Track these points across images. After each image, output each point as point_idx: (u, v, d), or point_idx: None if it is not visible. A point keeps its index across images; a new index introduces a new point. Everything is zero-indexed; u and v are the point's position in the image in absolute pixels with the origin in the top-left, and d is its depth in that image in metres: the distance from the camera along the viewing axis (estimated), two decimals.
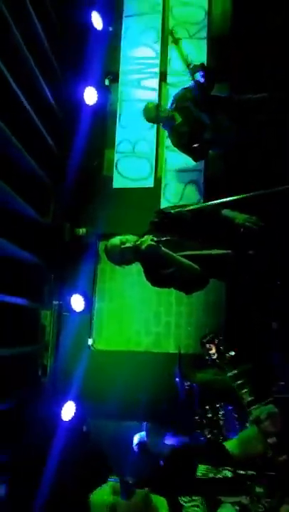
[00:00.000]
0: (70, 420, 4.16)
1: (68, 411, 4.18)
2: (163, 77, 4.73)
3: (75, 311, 4.48)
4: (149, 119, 4.03)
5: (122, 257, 2.89)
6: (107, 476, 4.08)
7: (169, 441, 3.72)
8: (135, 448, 3.66)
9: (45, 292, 4.58)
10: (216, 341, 2.40)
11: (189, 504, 1.81)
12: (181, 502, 1.84)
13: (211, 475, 1.93)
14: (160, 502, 1.84)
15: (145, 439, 3.64)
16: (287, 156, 3.71)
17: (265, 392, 3.18)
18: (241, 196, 2.71)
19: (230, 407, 3.50)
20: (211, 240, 2.78)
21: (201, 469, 1.97)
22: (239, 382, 2.24)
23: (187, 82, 3.99)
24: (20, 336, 4.21)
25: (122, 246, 2.85)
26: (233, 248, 2.78)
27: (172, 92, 4.31)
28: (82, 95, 4.43)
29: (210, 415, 3.39)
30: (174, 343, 4.44)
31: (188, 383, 3.68)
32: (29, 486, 3.66)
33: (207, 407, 3.48)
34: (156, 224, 2.97)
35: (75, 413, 4.20)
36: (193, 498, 1.83)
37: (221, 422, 3.36)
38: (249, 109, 3.69)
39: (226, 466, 2.03)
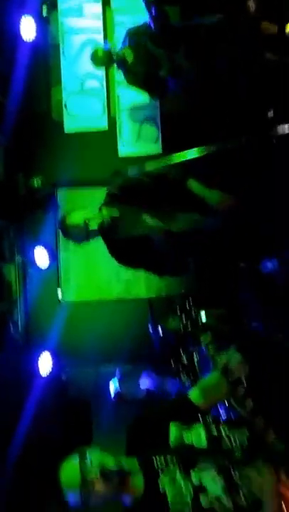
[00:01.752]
0: (48, 371, 4.22)
1: (45, 362, 4.23)
2: (107, 0, 4.24)
3: (39, 264, 4.37)
4: (101, 66, 3.67)
5: (86, 237, 2.74)
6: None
7: (144, 385, 3.84)
8: (113, 397, 3.76)
9: (6, 247, 4.42)
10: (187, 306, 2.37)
11: (164, 467, 1.81)
12: (156, 465, 1.82)
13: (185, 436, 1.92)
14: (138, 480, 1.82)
15: (119, 388, 3.73)
16: (243, 85, 3.50)
17: (230, 337, 3.28)
18: (202, 153, 2.54)
19: (203, 348, 3.59)
20: (175, 209, 2.66)
21: (174, 432, 1.92)
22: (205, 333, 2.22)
23: (133, 5, 3.60)
24: None
25: (89, 228, 2.69)
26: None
27: (119, 18, 3.90)
28: (19, 29, 3.94)
29: (185, 361, 3.48)
30: (145, 288, 4.45)
31: (162, 331, 3.72)
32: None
33: (182, 352, 3.56)
34: (115, 196, 2.79)
35: (52, 364, 4.26)
36: (168, 461, 1.82)
37: (197, 367, 3.46)
38: (205, 37, 3.38)
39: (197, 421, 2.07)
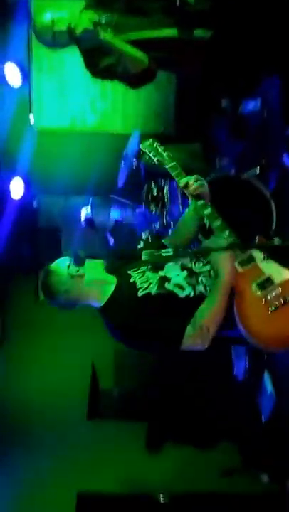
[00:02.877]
0: (19, 196, 4.24)
1: (17, 188, 4.23)
2: None
3: (10, 82, 4.07)
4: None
5: (54, 40, 2.46)
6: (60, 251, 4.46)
7: (114, 215, 3.95)
8: (83, 223, 3.86)
9: None
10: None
11: (136, 273, 2.02)
12: (129, 272, 2.02)
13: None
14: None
15: (91, 214, 3.82)
16: None
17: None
18: None
19: (174, 183, 3.65)
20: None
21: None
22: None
23: None
24: None
25: (55, 28, 2.40)
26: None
27: None
28: None
29: (155, 191, 3.54)
30: (122, 123, 4.30)
31: (135, 162, 3.70)
32: None
33: (152, 183, 3.61)
34: None
35: (24, 191, 4.26)
36: (140, 268, 2.02)
37: (166, 198, 3.54)
38: None
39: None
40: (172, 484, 2.75)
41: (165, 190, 3.53)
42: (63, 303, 1.96)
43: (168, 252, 2.01)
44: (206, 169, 3.53)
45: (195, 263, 2.01)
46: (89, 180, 4.29)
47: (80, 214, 4.09)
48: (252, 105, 3.66)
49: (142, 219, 3.74)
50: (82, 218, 3.85)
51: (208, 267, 1.98)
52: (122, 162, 3.83)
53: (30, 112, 4.29)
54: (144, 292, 1.88)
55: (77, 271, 1.90)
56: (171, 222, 3.52)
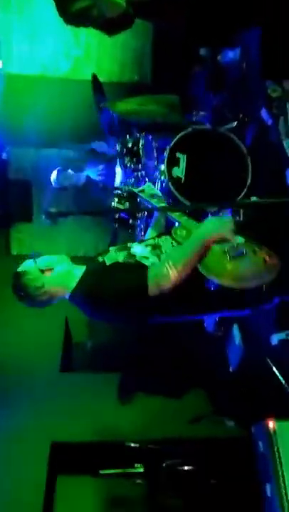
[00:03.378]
0: None
1: None
2: None
3: None
4: None
5: None
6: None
7: (87, 171, 3.84)
8: (53, 185, 3.75)
9: None
10: None
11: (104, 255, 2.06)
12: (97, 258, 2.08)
13: None
14: None
15: (58, 181, 3.71)
16: None
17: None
18: None
19: (150, 137, 3.56)
20: None
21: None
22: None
23: None
24: None
25: None
26: None
27: None
28: None
29: (130, 145, 3.45)
30: (97, 70, 4.11)
31: (110, 113, 3.58)
32: None
33: (127, 136, 3.51)
34: None
35: None
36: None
37: (141, 152, 3.45)
38: None
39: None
40: (143, 432, 2.85)
41: (140, 144, 3.44)
42: (39, 301, 1.96)
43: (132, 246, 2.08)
44: (182, 122, 3.46)
45: (157, 240, 2.10)
46: (61, 131, 4.16)
47: (51, 168, 3.95)
48: (231, 55, 3.57)
49: (115, 173, 3.66)
50: (52, 181, 3.73)
51: (170, 240, 2.06)
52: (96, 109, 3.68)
53: None
54: (112, 262, 1.95)
55: (46, 266, 1.96)
56: (146, 178, 3.46)
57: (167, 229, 2.27)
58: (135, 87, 4.22)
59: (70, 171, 3.79)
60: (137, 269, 1.90)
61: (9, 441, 2.77)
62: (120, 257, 2.00)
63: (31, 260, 1.98)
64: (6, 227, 4.25)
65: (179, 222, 2.08)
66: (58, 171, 3.75)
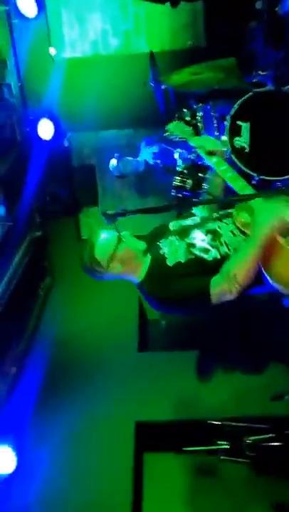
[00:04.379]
0: (49, 136, 4.15)
1: (46, 129, 4.12)
2: None
3: (26, 13, 3.84)
4: None
5: None
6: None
7: (144, 155, 3.78)
8: (114, 173, 3.75)
9: None
10: None
11: (164, 243, 2.03)
12: (158, 244, 2.09)
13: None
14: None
15: (118, 169, 3.69)
16: None
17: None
18: None
19: (208, 107, 3.42)
20: None
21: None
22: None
23: None
24: None
25: None
26: None
27: None
28: None
29: (188, 118, 3.33)
30: (147, 41, 4.00)
31: (164, 86, 3.47)
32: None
33: (184, 109, 3.39)
34: None
35: (53, 130, 4.15)
36: (168, 237, 2.07)
37: (200, 124, 3.33)
38: None
39: None
40: (225, 409, 2.84)
41: (199, 116, 3.32)
42: (107, 275, 2.04)
43: (195, 220, 2.07)
44: (242, 86, 3.27)
45: (219, 224, 2.06)
46: (117, 111, 4.12)
47: (114, 146, 3.94)
48: None
49: (173, 151, 3.56)
50: (112, 170, 3.73)
51: (231, 227, 2.03)
52: (152, 84, 3.57)
53: (49, 45, 4.07)
54: (175, 261, 1.96)
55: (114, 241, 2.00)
56: None
57: (228, 205, 2.19)
58: (189, 52, 4.04)
59: (128, 158, 3.76)
60: (200, 278, 1.87)
61: (95, 422, 2.90)
62: (181, 254, 1.99)
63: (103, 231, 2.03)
64: (75, 213, 4.35)
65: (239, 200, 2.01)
66: (117, 158, 3.74)
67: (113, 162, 3.73)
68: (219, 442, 2.71)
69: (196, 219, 2.11)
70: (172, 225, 2.15)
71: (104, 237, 2.04)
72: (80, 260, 2.10)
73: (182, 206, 3.05)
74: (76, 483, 2.62)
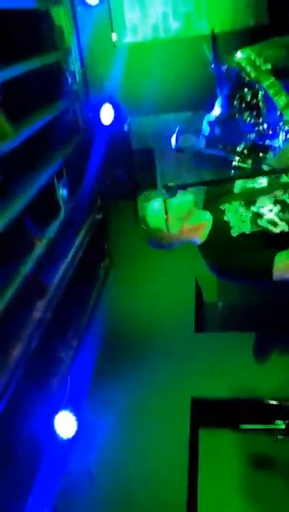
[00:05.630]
0: (110, 121, 4.24)
1: (107, 114, 4.22)
2: None
3: (89, 3, 3.96)
4: None
5: None
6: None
7: (205, 132, 3.76)
8: (174, 147, 3.73)
9: None
10: None
11: (229, 209, 1.98)
12: (222, 208, 2.00)
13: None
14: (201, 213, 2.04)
15: (177, 143, 3.67)
16: None
17: None
18: None
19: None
20: None
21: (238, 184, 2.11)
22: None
23: None
24: (39, 44, 3.90)
25: None
26: None
27: None
28: None
29: (249, 98, 3.29)
30: (208, 22, 3.97)
31: (226, 66, 3.44)
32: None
33: (246, 89, 3.34)
34: None
35: (114, 114, 4.25)
36: (233, 202, 1.99)
37: (261, 104, 3.28)
38: None
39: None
40: (282, 389, 2.83)
41: (260, 95, 3.26)
42: (174, 240, 2.01)
43: (261, 184, 1.97)
44: None
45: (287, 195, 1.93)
46: (177, 94, 4.13)
47: (173, 129, 3.94)
48: None
49: (235, 130, 3.53)
50: (173, 145, 3.73)
51: None
52: (212, 65, 3.55)
53: (112, 31, 4.14)
54: (239, 232, 1.87)
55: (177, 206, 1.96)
56: (269, 131, 3.28)
57: None
58: (251, 32, 3.97)
59: (189, 134, 3.76)
60: (265, 252, 1.81)
61: (152, 395, 2.98)
62: (246, 225, 1.90)
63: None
64: (134, 196, 4.43)
65: None
66: (178, 132, 3.74)
67: (174, 137, 3.73)
68: (277, 422, 2.70)
69: (263, 183, 2.01)
70: (237, 187, 2.05)
71: (151, 206, 2.03)
72: (144, 238, 2.09)
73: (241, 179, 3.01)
74: (133, 453, 2.73)
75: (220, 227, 1.95)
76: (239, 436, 2.84)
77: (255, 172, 2.33)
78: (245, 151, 3.28)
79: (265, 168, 2.25)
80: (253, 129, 3.40)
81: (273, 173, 2.13)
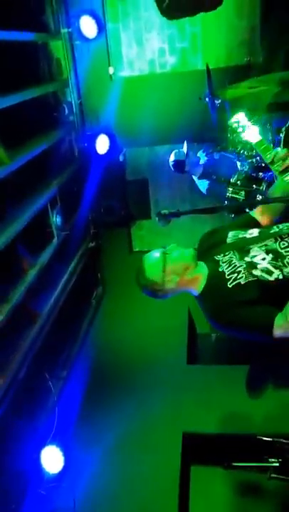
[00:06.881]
0: (105, 151, 4.29)
1: (102, 144, 4.27)
2: None
3: (87, 37, 4.06)
4: None
5: None
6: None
7: (202, 161, 3.81)
8: (171, 164, 3.75)
9: (49, 17, 4.06)
10: None
11: (223, 259, 1.98)
12: (216, 258, 2.01)
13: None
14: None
15: (184, 156, 3.70)
16: None
17: None
18: None
19: (264, 120, 3.42)
20: None
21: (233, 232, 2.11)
22: None
23: None
24: (37, 75, 3.98)
25: None
26: None
27: None
28: None
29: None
30: (203, 58, 4.08)
31: (220, 101, 3.52)
32: None
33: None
34: None
35: (108, 145, 4.30)
36: (226, 253, 2.01)
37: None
38: None
39: None
40: (275, 425, 2.76)
41: None
42: (168, 291, 1.97)
43: (252, 234, 1.97)
44: None
45: (280, 244, 1.93)
46: (172, 127, 4.20)
47: (168, 160, 3.98)
48: None
49: (229, 162, 3.58)
50: (171, 160, 3.74)
51: None
52: (207, 100, 3.62)
53: (109, 64, 4.24)
54: (234, 283, 1.85)
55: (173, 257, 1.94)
56: (262, 163, 3.33)
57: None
58: (245, 68, 4.08)
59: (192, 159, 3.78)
60: (264, 310, 1.77)
61: (143, 431, 2.90)
62: (241, 276, 1.87)
63: (160, 250, 1.99)
64: (127, 225, 4.43)
65: None
66: (184, 148, 3.75)
67: (176, 152, 3.74)
68: (271, 459, 2.62)
69: (254, 233, 2.00)
70: (229, 237, 2.04)
71: (150, 257, 2.00)
72: (139, 287, 2.04)
73: (234, 208, 3.02)
74: (122, 487, 2.63)
75: (215, 279, 1.92)
76: (231, 474, 2.75)
77: (248, 202, 2.32)
78: (238, 183, 3.32)
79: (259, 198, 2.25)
80: (246, 162, 3.46)
81: (266, 203, 2.12)
